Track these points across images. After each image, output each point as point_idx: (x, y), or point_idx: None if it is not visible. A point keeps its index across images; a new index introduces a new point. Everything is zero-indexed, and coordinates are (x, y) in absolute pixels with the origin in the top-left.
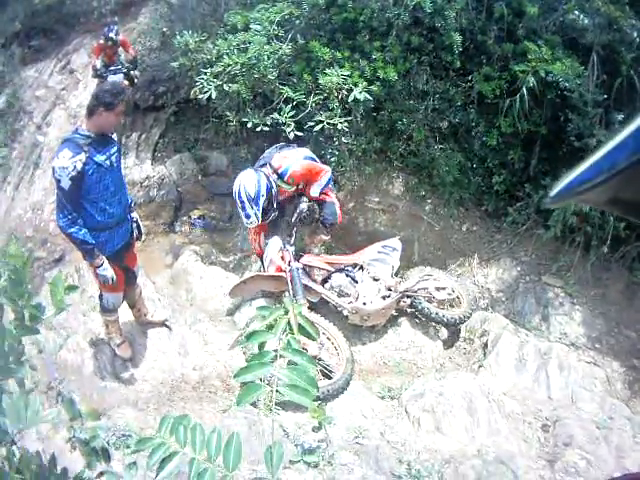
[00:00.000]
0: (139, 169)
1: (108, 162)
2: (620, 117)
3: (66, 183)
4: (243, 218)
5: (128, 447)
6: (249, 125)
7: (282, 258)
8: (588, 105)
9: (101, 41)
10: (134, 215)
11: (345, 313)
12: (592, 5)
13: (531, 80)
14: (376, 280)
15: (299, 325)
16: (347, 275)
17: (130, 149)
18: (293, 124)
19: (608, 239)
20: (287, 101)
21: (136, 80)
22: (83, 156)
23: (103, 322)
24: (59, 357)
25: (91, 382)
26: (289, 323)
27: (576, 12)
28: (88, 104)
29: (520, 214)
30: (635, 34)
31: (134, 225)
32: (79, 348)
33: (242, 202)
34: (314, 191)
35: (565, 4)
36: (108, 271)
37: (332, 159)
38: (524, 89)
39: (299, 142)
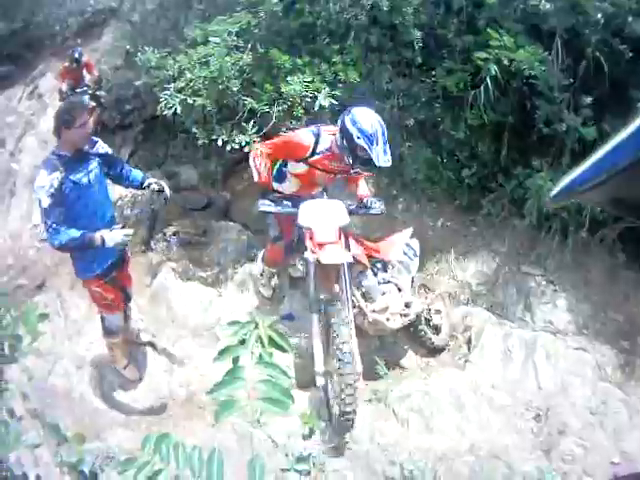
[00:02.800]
0: (111, 189)
1: (86, 179)
2: (588, 100)
3: (46, 201)
4: (382, 156)
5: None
6: (219, 142)
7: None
8: (554, 90)
9: (66, 64)
10: (150, 181)
11: (359, 320)
12: None
13: (494, 69)
14: (400, 291)
15: (269, 338)
16: (375, 274)
17: None
18: (259, 140)
19: (586, 223)
20: (251, 112)
21: (102, 100)
22: (59, 174)
23: (107, 345)
24: (48, 383)
25: (81, 406)
26: (260, 337)
27: None
28: (54, 128)
29: (494, 205)
30: (599, 15)
31: (155, 187)
32: (67, 373)
33: (384, 133)
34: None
35: None
36: (115, 234)
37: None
38: (488, 79)
39: None
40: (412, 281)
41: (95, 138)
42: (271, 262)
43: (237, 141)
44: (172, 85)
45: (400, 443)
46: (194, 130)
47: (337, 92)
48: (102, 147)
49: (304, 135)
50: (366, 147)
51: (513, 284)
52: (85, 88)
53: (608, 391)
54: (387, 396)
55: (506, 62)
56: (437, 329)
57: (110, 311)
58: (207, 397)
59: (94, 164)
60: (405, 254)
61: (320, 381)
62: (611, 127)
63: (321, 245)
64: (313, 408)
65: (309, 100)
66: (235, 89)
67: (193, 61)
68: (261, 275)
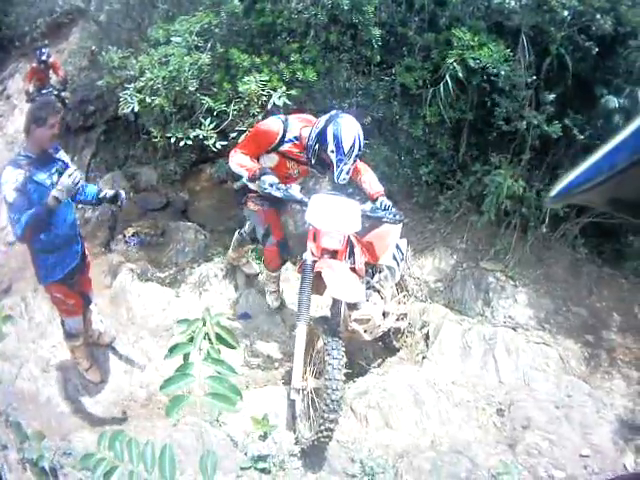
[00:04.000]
0: None
1: (49, 181)
2: (551, 97)
3: (11, 195)
4: (344, 174)
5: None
6: (172, 140)
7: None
8: (517, 88)
9: (34, 64)
10: (106, 192)
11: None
12: None
13: (457, 68)
14: (382, 298)
15: (217, 335)
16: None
17: None
18: (215, 136)
19: (546, 219)
20: (209, 111)
21: (67, 101)
22: (23, 172)
23: (69, 348)
24: (15, 387)
25: (47, 409)
26: (207, 334)
27: None
28: (25, 125)
29: (452, 202)
30: (566, 12)
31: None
32: (32, 376)
33: (357, 154)
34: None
35: None
36: (63, 179)
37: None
38: (447, 77)
39: (221, 151)
40: (393, 288)
41: (58, 146)
42: (269, 266)
43: (192, 136)
44: (132, 85)
45: (359, 440)
46: (151, 129)
47: (293, 91)
48: (64, 156)
49: (272, 122)
50: (334, 163)
51: (471, 280)
52: (51, 89)
53: (573, 384)
54: (345, 393)
55: (471, 62)
56: (401, 333)
57: (69, 315)
58: (166, 398)
59: (56, 168)
60: (394, 259)
61: (294, 395)
62: (574, 124)
63: (324, 250)
64: (270, 409)
65: (265, 99)
66: (192, 89)
67: (154, 61)
68: (266, 281)
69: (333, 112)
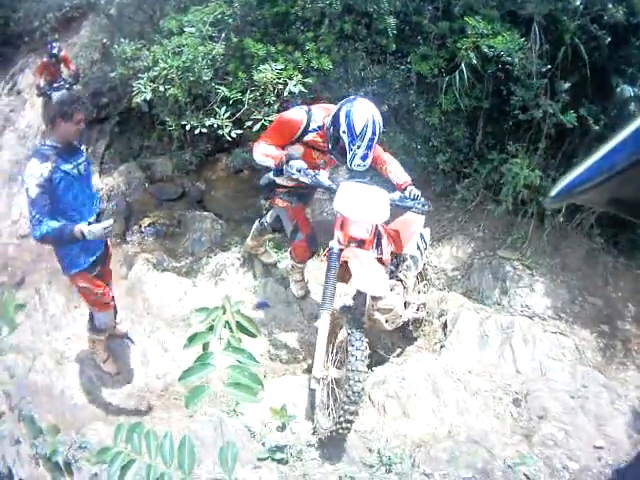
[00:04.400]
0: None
1: (76, 170)
2: (566, 86)
3: (34, 191)
4: (357, 159)
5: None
6: (188, 128)
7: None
8: (532, 77)
9: (44, 59)
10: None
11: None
12: None
13: (472, 56)
14: (404, 288)
15: (238, 323)
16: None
17: None
18: (231, 125)
19: (563, 208)
20: (224, 100)
21: (79, 95)
22: (50, 164)
23: (89, 340)
24: (29, 379)
25: (61, 401)
26: (227, 322)
27: None
28: (49, 117)
29: (469, 191)
30: (578, 2)
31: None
32: (46, 369)
33: (372, 138)
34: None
35: None
36: (94, 227)
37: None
38: (463, 65)
39: (236, 140)
40: (416, 279)
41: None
42: (297, 259)
43: (207, 125)
44: (145, 74)
45: (377, 430)
46: (166, 118)
47: (309, 79)
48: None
49: (295, 112)
50: (346, 145)
51: (489, 269)
52: (62, 83)
53: (589, 375)
54: (366, 385)
55: (485, 49)
56: (420, 322)
57: (102, 309)
58: (183, 389)
59: (82, 158)
60: (418, 248)
61: (314, 385)
62: (589, 113)
63: (352, 239)
64: (288, 399)
65: (281, 87)
66: (207, 78)
67: (167, 51)
68: (292, 270)
69: (351, 97)
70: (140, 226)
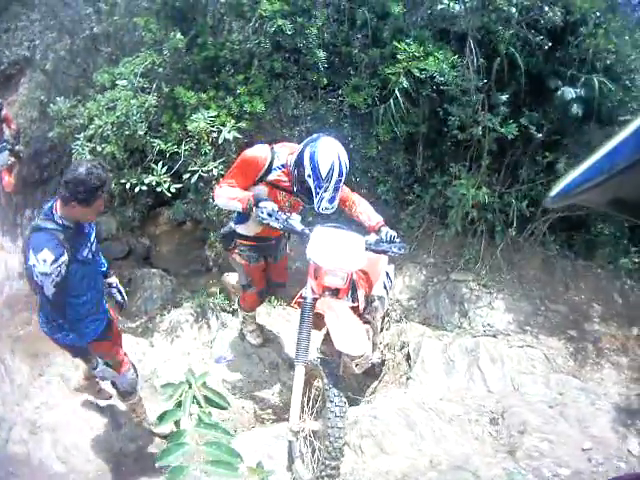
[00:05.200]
0: None
1: (90, 255)
2: (504, 97)
3: (50, 290)
4: (325, 202)
5: None
6: (127, 186)
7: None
8: (468, 94)
9: None
10: (113, 281)
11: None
12: None
13: (404, 81)
14: (372, 330)
15: (205, 397)
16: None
17: (26, 227)
18: (169, 180)
19: (513, 221)
20: (160, 153)
21: (21, 154)
22: (66, 256)
23: (128, 408)
24: (8, 450)
25: (41, 471)
26: (195, 397)
27: (445, 1)
28: (61, 187)
29: (414, 218)
30: (513, 9)
31: (114, 291)
32: (22, 439)
33: (339, 180)
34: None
35: None
36: (107, 370)
37: (215, 202)
38: (397, 92)
39: (176, 193)
40: (382, 318)
41: None
42: (248, 308)
43: (146, 182)
44: (82, 134)
45: (357, 470)
46: None
47: (243, 124)
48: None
49: (258, 149)
50: (312, 189)
51: (445, 294)
52: (4, 143)
53: (563, 382)
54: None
55: (417, 73)
56: (384, 360)
57: (120, 371)
58: (157, 450)
59: (93, 233)
60: (384, 287)
61: (291, 437)
62: (530, 121)
63: (326, 289)
64: (263, 452)
65: (215, 135)
66: (142, 132)
67: (101, 107)
68: (244, 322)
69: (315, 135)
70: None
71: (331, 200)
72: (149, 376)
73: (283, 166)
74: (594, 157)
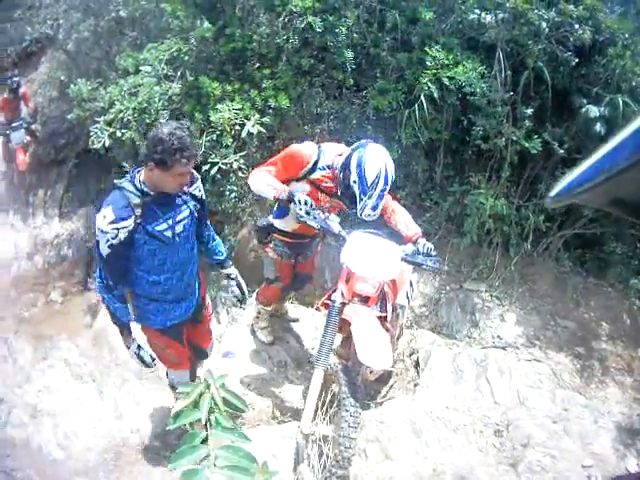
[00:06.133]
0: (48, 227)
1: (169, 233)
2: (529, 111)
3: (104, 249)
4: (368, 209)
5: None
6: None
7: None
8: (494, 105)
9: (5, 95)
10: (231, 271)
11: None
12: (494, 1)
13: (432, 88)
14: (391, 339)
15: (224, 399)
16: None
17: (38, 207)
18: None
19: (529, 235)
20: None
21: (38, 134)
22: (131, 223)
23: (174, 398)
24: (7, 434)
25: (39, 456)
26: (213, 399)
27: (477, 10)
28: (143, 153)
29: (431, 224)
30: (544, 24)
31: (233, 284)
32: (22, 423)
33: (384, 189)
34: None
35: (463, 3)
36: (144, 354)
37: (232, 195)
38: (422, 98)
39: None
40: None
41: (196, 174)
42: (266, 302)
43: None
44: (102, 118)
45: (361, 475)
46: (123, 163)
47: (267, 119)
48: (199, 189)
49: (307, 146)
50: (357, 195)
51: (457, 302)
52: (21, 122)
53: (568, 398)
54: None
55: (446, 81)
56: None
57: (172, 367)
58: (159, 443)
59: (185, 212)
60: (406, 296)
61: (300, 440)
62: (553, 137)
63: (356, 295)
64: (268, 451)
65: (238, 128)
66: (163, 120)
67: (123, 92)
68: (257, 317)
69: (363, 141)
70: None
71: (374, 208)
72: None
73: (328, 167)
74: (594, 157)
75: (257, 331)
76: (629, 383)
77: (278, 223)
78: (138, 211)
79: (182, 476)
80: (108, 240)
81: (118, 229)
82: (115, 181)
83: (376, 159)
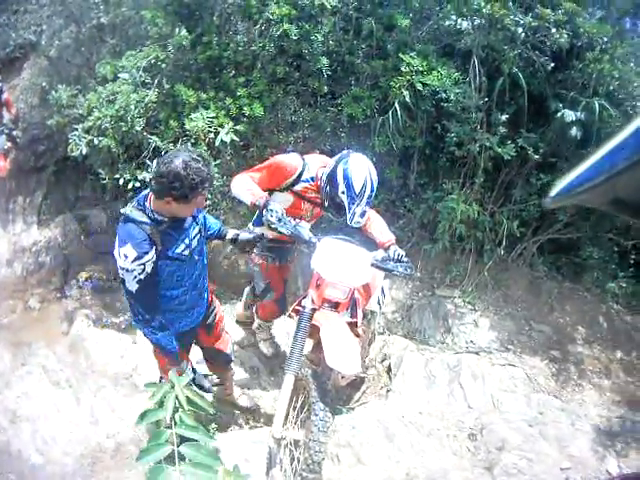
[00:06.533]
0: (27, 234)
1: (187, 252)
2: (504, 117)
3: (133, 286)
4: (357, 217)
5: None
6: (121, 181)
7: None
8: (468, 111)
9: None
10: (233, 233)
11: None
12: (471, 7)
13: (405, 94)
14: (361, 344)
15: (188, 399)
16: None
17: (17, 214)
18: None
19: (503, 240)
20: (156, 150)
21: (18, 140)
22: (153, 254)
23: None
24: None
25: (19, 461)
26: (177, 398)
27: (453, 17)
28: (154, 179)
29: (404, 231)
30: (520, 30)
31: (245, 236)
32: (2, 428)
33: (370, 195)
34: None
35: (440, 10)
36: (201, 379)
37: (206, 202)
38: (397, 105)
39: None
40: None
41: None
42: (266, 318)
43: (140, 178)
44: (80, 125)
45: None
46: (99, 170)
47: (240, 127)
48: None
49: (292, 157)
50: (346, 205)
51: (429, 309)
52: (2, 128)
53: (544, 401)
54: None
55: (420, 87)
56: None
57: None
58: (134, 448)
59: (196, 228)
60: (378, 302)
61: (272, 444)
62: (527, 143)
63: (326, 301)
64: (240, 455)
65: (212, 136)
66: (139, 128)
67: (101, 99)
68: (258, 329)
69: (344, 152)
70: (78, 280)
71: (362, 215)
72: (130, 373)
73: (312, 179)
74: (594, 157)
75: (259, 343)
76: (607, 386)
77: (259, 230)
78: (157, 240)
79: (148, 473)
80: (135, 277)
81: (144, 264)
82: (122, 210)
83: (361, 168)
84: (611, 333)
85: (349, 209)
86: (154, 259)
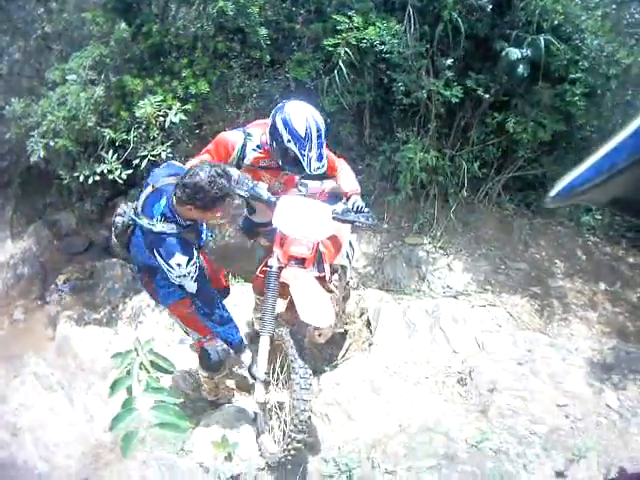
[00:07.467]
0: (2, 250)
1: (204, 235)
2: (448, 62)
3: (193, 287)
4: (314, 162)
5: None
6: (81, 178)
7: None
8: (411, 60)
9: None
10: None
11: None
12: None
13: (343, 52)
14: (335, 300)
15: (151, 362)
16: None
17: None
18: (120, 167)
19: (465, 183)
20: (111, 143)
21: None
22: (196, 253)
23: (210, 386)
24: None
25: (26, 472)
26: (142, 363)
27: None
28: (179, 187)
29: (365, 185)
30: None
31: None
32: (4, 442)
33: (319, 135)
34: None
35: None
36: (255, 371)
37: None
38: (340, 63)
39: (131, 181)
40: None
41: None
42: (261, 291)
43: (98, 171)
44: (36, 131)
45: (327, 439)
46: (60, 172)
47: (188, 106)
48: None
49: (232, 133)
50: (297, 152)
51: (401, 258)
52: None
53: (531, 338)
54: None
55: (354, 42)
56: (346, 331)
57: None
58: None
59: (204, 230)
60: (347, 256)
61: (256, 409)
62: (477, 84)
63: (292, 258)
64: (229, 426)
65: (163, 119)
66: (91, 124)
67: (53, 103)
68: (255, 309)
69: (279, 104)
70: (57, 284)
71: (319, 158)
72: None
73: (259, 147)
74: (594, 157)
75: (255, 322)
76: (594, 318)
77: (255, 218)
78: (191, 239)
79: (122, 440)
80: (193, 277)
81: (195, 262)
82: (153, 229)
83: (299, 111)
84: (591, 265)
85: (302, 156)
86: (198, 256)
